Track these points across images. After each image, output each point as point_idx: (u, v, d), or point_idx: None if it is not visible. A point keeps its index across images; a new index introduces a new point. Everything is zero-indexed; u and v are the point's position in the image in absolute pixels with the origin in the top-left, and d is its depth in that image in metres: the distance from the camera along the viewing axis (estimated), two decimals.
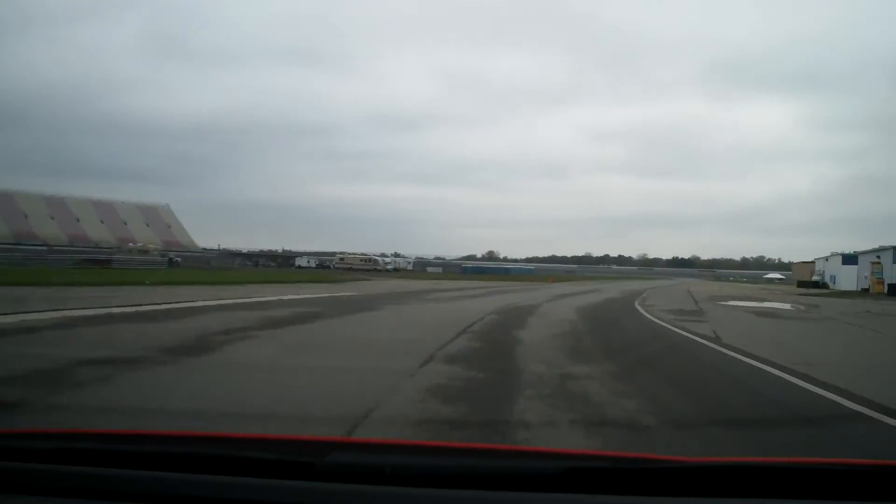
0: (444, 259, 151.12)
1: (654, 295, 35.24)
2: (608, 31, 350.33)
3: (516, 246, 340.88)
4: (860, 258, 63.84)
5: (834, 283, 73.93)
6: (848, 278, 66.99)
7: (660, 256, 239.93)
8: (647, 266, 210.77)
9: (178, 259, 70.21)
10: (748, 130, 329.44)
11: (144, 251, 70.47)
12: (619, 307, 24.79)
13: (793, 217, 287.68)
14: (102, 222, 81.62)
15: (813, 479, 1.54)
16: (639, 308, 23.59)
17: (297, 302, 20.71)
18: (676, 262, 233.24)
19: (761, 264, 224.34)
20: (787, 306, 29.46)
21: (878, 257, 55.11)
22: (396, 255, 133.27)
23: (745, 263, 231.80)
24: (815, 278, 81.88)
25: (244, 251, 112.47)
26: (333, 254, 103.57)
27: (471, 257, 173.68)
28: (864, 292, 52.36)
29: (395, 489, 1.48)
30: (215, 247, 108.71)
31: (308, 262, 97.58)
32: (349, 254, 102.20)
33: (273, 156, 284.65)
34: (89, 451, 1.66)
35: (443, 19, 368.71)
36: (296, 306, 18.64)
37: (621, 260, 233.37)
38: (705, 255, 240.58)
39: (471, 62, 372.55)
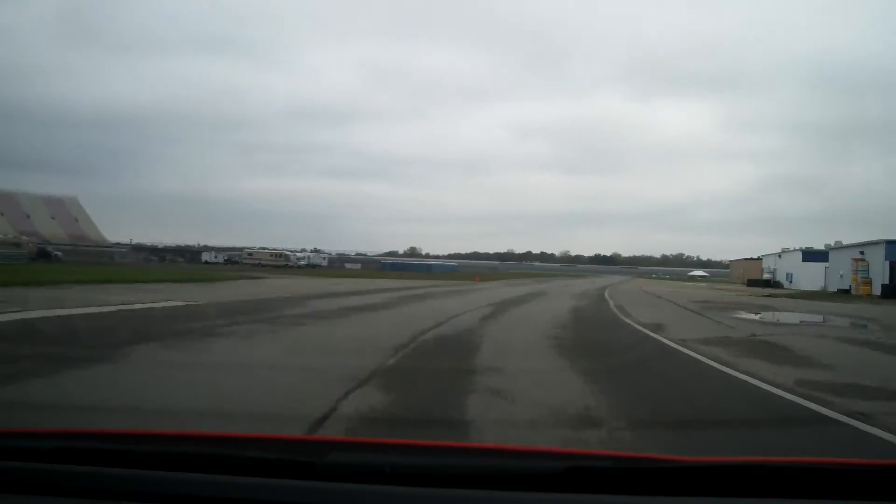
0: (365, 255, 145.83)
1: (626, 303, 26.40)
2: (532, 28, 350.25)
3: (439, 242, 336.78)
4: (832, 255, 56.79)
5: (791, 281, 67.10)
6: (811, 277, 60.03)
7: (582, 253, 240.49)
8: (570, 263, 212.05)
9: (58, 253, 64.89)
10: (668, 130, 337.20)
11: (16, 243, 63.31)
12: (632, 339, 12.88)
13: (710, 215, 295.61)
14: (2, 214, 75.84)
15: (813, 478, 1.52)
16: (668, 343, 11.78)
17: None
18: (598, 259, 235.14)
19: (681, 261, 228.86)
20: (837, 320, 20.92)
21: (862, 253, 46.98)
22: (316, 250, 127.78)
23: (665, 260, 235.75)
24: (765, 276, 75.20)
25: (159, 246, 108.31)
26: (253, 249, 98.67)
27: (392, 253, 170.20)
28: (843, 294, 44.71)
29: (395, 489, 1.47)
30: (127, 241, 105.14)
31: (215, 257, 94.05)
32: (258, 249, 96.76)
33: (195, 149, 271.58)
34: (89, 450, 1.65)
35: (367, 12, 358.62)
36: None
37: (544, 257, 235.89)
38: (626, 252, 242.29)
39: (395, 56, 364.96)
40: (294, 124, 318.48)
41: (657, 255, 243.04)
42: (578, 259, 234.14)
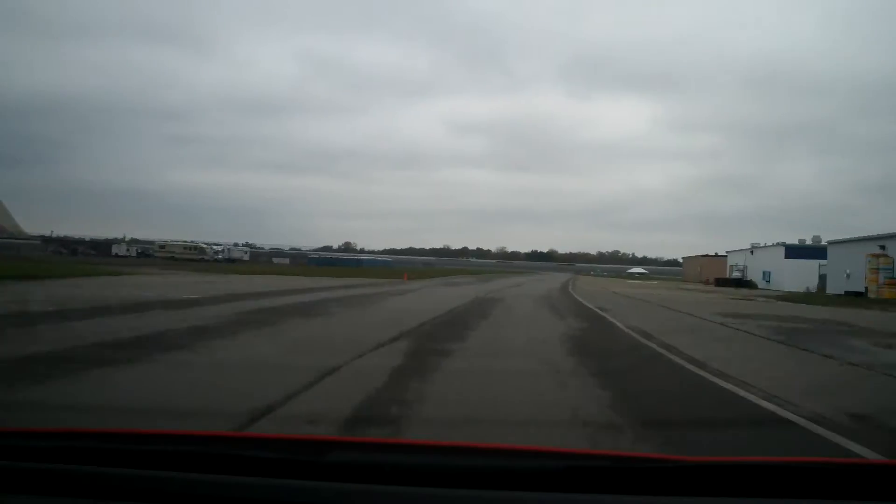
0: (300, 250, 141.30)
1: (638, 321, 18.07)
2: (473, 22, 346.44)
3: (375, 237, 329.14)
4: (833, 250, 46.97)
5: (768, 281, 59.03)
6: (796, 276, 52.20)
7: (518, 250, 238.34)
8: (506, 259, 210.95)
9: None
10: (606, 128, 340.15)
11: None
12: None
13: (645, 214, 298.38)
14: None
15: (813, 478, 1.52)
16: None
17: None
18: (535, 256, 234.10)
19: (617, 259, 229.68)
20: None
21: (883, 248, 37.47)
22: (248, 244, 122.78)
23: (601, 258, 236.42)
24: (734, 275, 66.94)
25: (75, 238, 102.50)
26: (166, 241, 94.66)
27: (327, 248, 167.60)
28: (858, 297, 35.49)
29: (396, 488, 1.47)
30: (48, 233, 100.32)
31: (127, 250, 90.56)
32: (171, 241, 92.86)
33: (127, 140, 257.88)
34: (89, 449, 1.65)
35: (305, 1, 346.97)
36: None
37: (480, 253, 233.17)
38: (562, 249, 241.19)
39: (334, 48, 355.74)
40: (230, 116, 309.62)
41: (593, 251, 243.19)
42: (515, 255, 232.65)
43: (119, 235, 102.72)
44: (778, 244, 61.25)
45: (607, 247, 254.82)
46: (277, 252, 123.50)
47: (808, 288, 49.25)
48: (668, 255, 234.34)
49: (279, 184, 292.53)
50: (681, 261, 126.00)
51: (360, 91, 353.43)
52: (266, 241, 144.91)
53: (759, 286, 58.86)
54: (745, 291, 48.56)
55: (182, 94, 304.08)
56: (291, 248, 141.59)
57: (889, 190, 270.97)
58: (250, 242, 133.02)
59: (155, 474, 1.53)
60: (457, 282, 44.15)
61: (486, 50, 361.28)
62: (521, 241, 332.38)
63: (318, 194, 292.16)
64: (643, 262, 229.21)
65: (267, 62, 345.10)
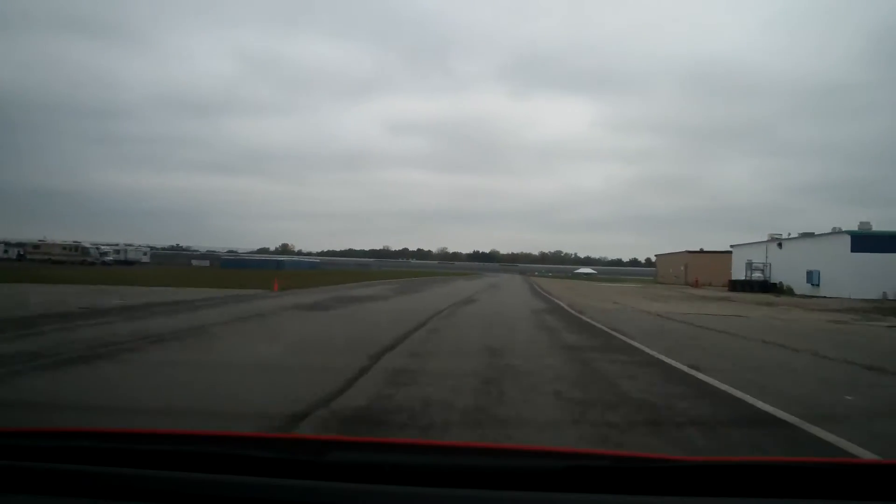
0: (236, 252, 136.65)
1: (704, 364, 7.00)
2: (414, 19, 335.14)
3: (315, 239, 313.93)
4: None
5: (816, 284, 42.84)
6: (861, 277, 37.63)
7: (460, 250, 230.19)
8: (448, 260, 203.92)
9: None
10: (547, 129, 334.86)
11: None
12: None
13: (585, 214, 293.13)
14: None
15: (814, 478, 1.52)
16: None
17: None
18: (477, 257, 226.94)
19: (559, 258, 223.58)
20: None
21: None
22: (177, 246, 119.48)
23: (544, 258, 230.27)
24: (755, 276, 51.46)
25: None
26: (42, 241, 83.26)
27: (264, 250, 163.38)
28: None
29: (395, 488, 1.46)
30: None
31: (6, 251, 79.82)
32: (48, 241, 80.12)
33: (53, 138, 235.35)
34: (89, 449, 1.64)
35: None
36: None
37: (421, 254, 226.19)
38: (504, 250, 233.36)
39: (270, 45, 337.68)
40: (163, 115, 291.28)
41: (535, 252, 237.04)
42: (456, 256, 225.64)
43: (39, 237, 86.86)
44: (838, 231, 44.24)
45: (548, 247, 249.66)
46: (200, 255, 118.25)
47: (884, 294, 36.16)
48: (611, 255, 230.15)
49: (217, 185, 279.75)
50: (641, 260, 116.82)
51: (299, 90, 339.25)
52: (204, 243, 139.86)
53: (798, 291, 43.87)
54: (789, 300, 34.43)
55: (111, 92, 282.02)
56: (228, 251, 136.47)
57: (824, 191, 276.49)
58: (178, 244, 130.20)
59: (155, 474, 1.53)
60: (381, 287, 31.56)
61: (428, 48, 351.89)
62: (463, 242, 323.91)
63: (258, 196, 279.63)
64: (586, 262, 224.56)
65: (200, 59, 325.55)
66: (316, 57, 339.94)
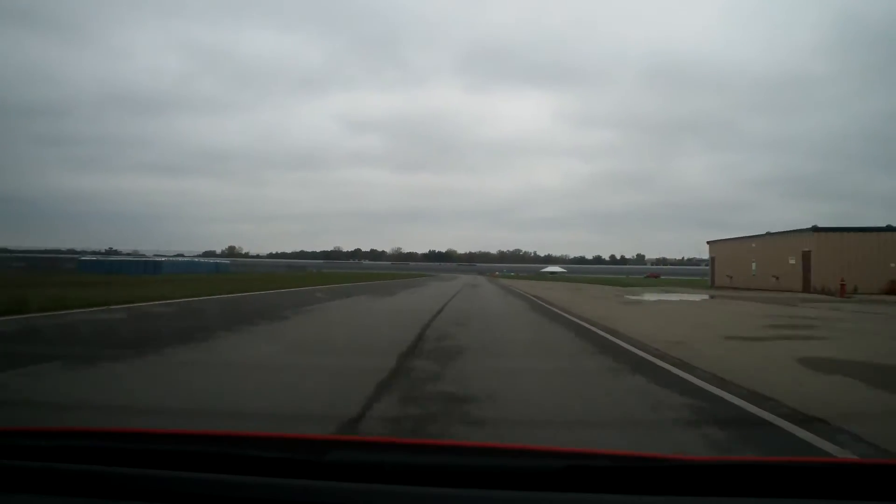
0: (182, 255, 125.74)
1: None
2: (367, 11, 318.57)
3: (266, 241, 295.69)
4: None
5: None
6: None
7: (416, 250, 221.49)
8: (403, 261, 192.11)
9: None
10: (504, 124, 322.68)
11: None
12: None
13: (544, 212, 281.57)
14: None
15: (814, 478, 1.51)
16: None
17: None
18: (433, 256, 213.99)
19: (519, 257, 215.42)
20: None
21: None
22: (111, 250, 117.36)
23: (503, 257, 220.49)
24: None
25: None
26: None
27: (210, 253, 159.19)
28: None
29: (395, 488, 1.46)
30: None
31: None
32: None
33: None
34: (89, 449, 1.64)
35: None
36: None
37: (374, 254, 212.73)
38: (462, 249, 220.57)
39: (219, 37, 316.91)
40: (108, 113, 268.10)
41: (493, 251, 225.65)
42: (412, 256, 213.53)
43: None
44: None
45: (507, 246, 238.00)
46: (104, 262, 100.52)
47: None
48: (572, 252, 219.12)
49: (163, 187, 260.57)
50: (605, 257, 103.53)
51: (248, 87, 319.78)
52: (153, 247, 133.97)
53: None
54: None
55: (51, 89, 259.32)
56: (176, 255, 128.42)
57: (781, 184, 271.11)
58: (113, 248, 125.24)
59: (155, 473, 1.52)
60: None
61: (382, 39, 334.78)
62: (419, 242, 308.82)
63: (206, 197, 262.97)
64: (547, 260, 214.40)
65: (145, 53, 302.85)
66: (267, 50, 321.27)
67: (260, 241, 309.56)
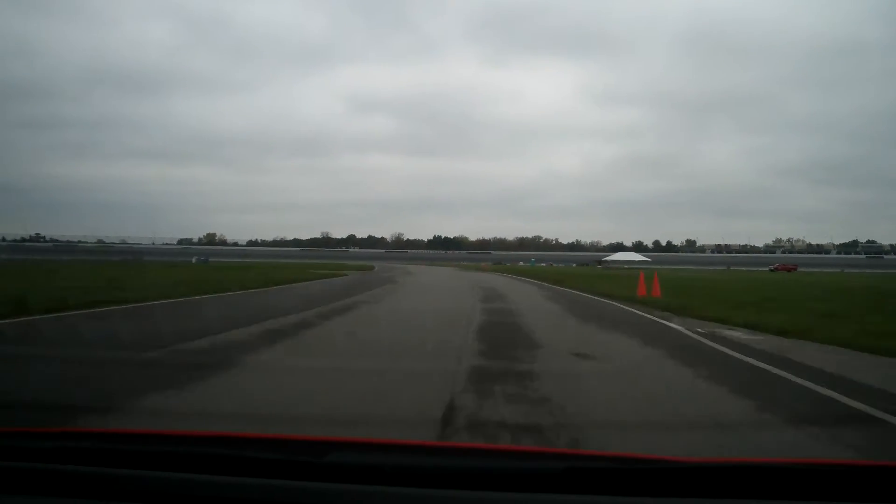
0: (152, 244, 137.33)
1: None
2: None
3: (268, 230, 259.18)
4: None
5: None
6: None
7: (421, 237, 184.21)
8: (402, 248, 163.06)
9: None
10: (522, 103, 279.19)
11: None
12: None
13: (561, 199, 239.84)
14: None
15: (813, 479, 1.51)
16: None
17: None
18: (438, 243, 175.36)
19: (538, 245, 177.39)
20: None
21: None
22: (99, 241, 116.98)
23: (522, 244, 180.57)
24: None
25: None
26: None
27: (185, 241, 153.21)
28: None
29: (395, 489, 1.46)
30: None
31: None
32: None
33: None
34: (89, 450, 1.65)
35: None
36: None
37: (371, 242, 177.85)
38: (473, 236, 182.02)
39: (215, 4, 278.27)
40: (101, 94, 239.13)
41: (511, 237, 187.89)
42: (414, 244, 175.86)
43: None
44: None
45: (524, 234, 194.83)
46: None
47: None
48: (604, 240, 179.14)
49: (162, 174, 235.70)
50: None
51: (248, 56, 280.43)
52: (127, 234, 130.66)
53: None
54: None
55: (40, 64, 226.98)
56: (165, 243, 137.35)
57: (815, 170, 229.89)
58: (101, 239, 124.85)
59: (154, 475, 1.52)
60: None
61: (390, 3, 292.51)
62: (424, 229, 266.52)
63: (206, 186, 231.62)
64: (575, 247, 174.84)
65: (136, 21, 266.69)
66: (266, 15, 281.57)
67: (266, 230, 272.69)
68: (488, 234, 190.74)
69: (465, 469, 1.58)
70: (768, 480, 1.49)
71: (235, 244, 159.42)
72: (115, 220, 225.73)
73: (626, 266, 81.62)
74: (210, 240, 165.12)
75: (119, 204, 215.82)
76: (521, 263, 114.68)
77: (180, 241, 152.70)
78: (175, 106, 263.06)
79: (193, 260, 79.64)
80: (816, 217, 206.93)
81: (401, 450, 1.94)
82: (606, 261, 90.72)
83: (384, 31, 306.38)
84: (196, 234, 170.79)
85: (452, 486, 1.47)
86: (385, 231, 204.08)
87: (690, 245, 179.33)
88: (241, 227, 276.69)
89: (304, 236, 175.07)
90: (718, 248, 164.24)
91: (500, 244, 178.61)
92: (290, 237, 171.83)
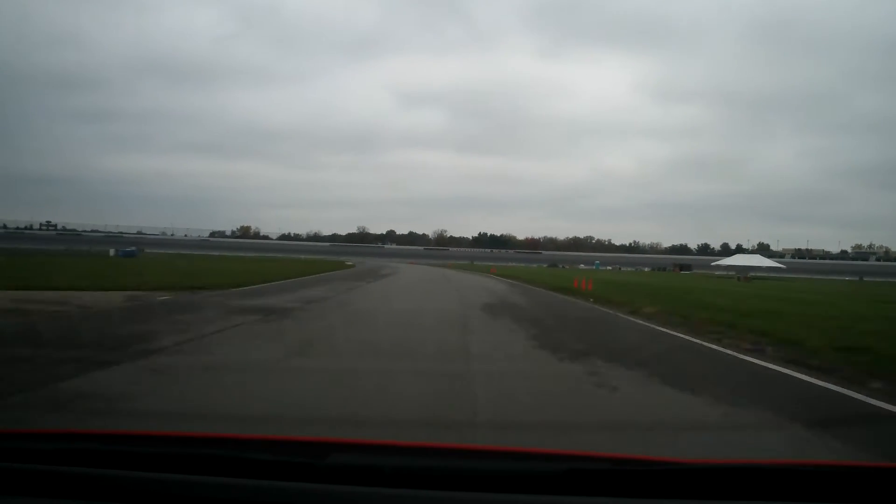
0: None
1: None
2: None
3: (321, 225, 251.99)
4: None
5: None
6: None
7: (465, 235, 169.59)
8: (442, 247, 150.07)
9: None
10: (575, 100, 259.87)
11: None
12: None
13: (612, 200, 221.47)
14: None
15: (813, 481, 1.51)
16: None
17: None
18: (485, 241, 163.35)
19: (589, 246, 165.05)
20: None
21: None
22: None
23: (576, 244, 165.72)
24: None
25: None
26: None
27: (218, 233, 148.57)
28: None
29: (395, 491, 1.46)
30: None
31: None
32: None
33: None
34: (89, 451, 1.65)
35: None
36: None
37: (412, 237, 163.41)
38: (522, 235, 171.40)
39: None
40: (148, 85, 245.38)
41: (561, 236, 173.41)
42: (458, 241, 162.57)
43: None
44: None
45: (575, 234, 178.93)
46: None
47: None
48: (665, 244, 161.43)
49: (211, 168, 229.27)
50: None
51: (296, 48, 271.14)
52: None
53: None
54: None
55: (86, 55, 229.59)
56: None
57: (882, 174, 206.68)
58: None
59: (155, 476, 1.52)
60: None
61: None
62: (469, 227, 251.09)
63: (256, 180, 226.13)
64: (634, 249, 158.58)
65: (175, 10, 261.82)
66: (314, 4, 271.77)
67: (285, 222, 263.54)
68: (538, 234, 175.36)
69: (466, 470, 1.58)
70: (771, 482, 1.48)
71: (266, 237, 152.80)
72: (152, 212, 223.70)
73: (759, 274, 63.66)
74: (244, 233, 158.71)
75: (155, 196, 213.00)
76: (582, 266, 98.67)
77: (212, 234, 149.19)
78: (217, 98, 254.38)
79: (112, 252, 63.66)
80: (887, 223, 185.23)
81: (401, 451, 1.92)
82: (721, 265, 72.41)
83: (435, 18, 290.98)
84: (232, 227, 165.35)
85: (453, 487, 1.47)
86: (427, 228, 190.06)
87: (764, 249, 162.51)
88: (279, 220, 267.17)
89: (343, 231, 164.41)
90: (799, 253, 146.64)
91: (551, 244, 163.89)
92: (325, 232, 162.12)
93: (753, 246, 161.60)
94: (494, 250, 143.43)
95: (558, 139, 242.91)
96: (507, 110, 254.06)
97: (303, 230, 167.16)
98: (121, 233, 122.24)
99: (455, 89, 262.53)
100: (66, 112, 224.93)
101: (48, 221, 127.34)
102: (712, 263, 77.77)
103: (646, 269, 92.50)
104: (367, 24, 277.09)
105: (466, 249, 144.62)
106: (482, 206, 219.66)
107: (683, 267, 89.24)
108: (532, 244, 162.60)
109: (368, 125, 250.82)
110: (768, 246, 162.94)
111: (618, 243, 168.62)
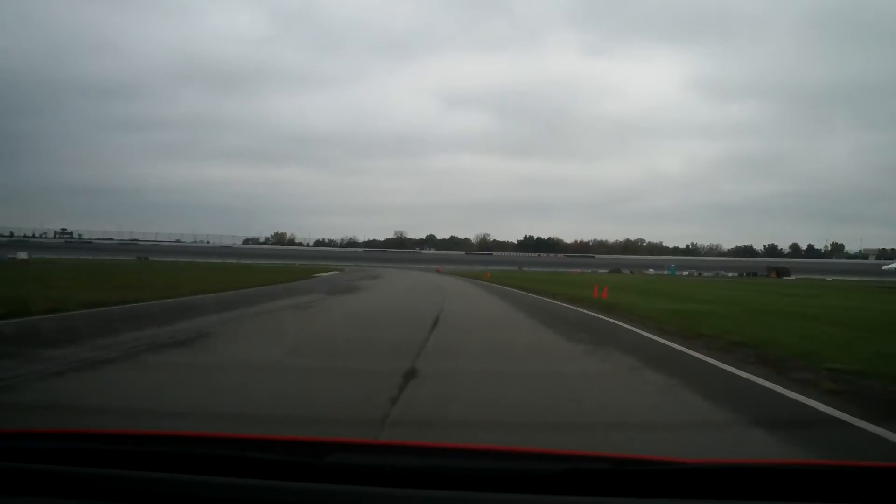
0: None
1: None
2: None
3: (368, 232, 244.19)
4: None
5: None
6: None
7: (510, 239, 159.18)
8: (486, 251, 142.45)
9: None
10: (624, 95, 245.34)
11: None
12: None
13: (664, 202, 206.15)
14: None
15: (813, 481, 1.51)
16: None
17: None
18: (531, 245, 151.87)
19: (636, 248, 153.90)
20: None
21: None
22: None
23: (631, 247, 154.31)
24: None
25: None
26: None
27: (252, 240, 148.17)
28: None
29: (396, 490, 1.47)
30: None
31: None
32: None
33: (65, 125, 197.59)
34: (89, 451, 1.66)
35: None
36: None
37: (453, 242, 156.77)
38: (570, 239, 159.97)
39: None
40: (187, 92, 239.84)
41: (611, 239, 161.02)
42: (502, 245, 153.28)
43: None
44: None
45: (624, 237, 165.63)
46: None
47: None
48: (724, 244, 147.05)
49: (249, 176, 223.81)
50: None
51: (332, 48, 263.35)
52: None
53: None
54: None
55: (123, 61, 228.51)
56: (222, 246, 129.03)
57: None
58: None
59: (155, 476, 1.52)
60: None
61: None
62: (513, 231, 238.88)
63: (299, 187, 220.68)
64: (689, 252, 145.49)
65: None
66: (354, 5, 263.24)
67: (365, 232, 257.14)
68: (586, 237, 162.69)
69: (466, 470, 1.57)
70: (769, 482, 1.49)
71: (300, 244, 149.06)
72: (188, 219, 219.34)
73: None
74: (279, 239, 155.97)
75: (199, 204, 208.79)
76: (651, 272, 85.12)
77: (246, 241, 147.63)
78: (258, 104, 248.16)
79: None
80: None
81: (401, 451, 1.92)
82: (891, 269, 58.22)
83: (478, 15, 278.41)
84: (268, 233, 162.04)
85: (453, 487, 1.47)
86: (470, 232, 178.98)
87: (838, 250, 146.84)
88: (319, 227, 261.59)
89: (381, 237, 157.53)
90: (884, 254, 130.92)
91: (602, 247, 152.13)
92: (363, 238, 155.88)
93: (827, 247, 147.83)
94: (542, 255, 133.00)
95: (604, 139, 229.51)
96: (551, 111, 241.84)
97: (339, 236, 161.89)
98: (134, 240, 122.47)
99: (499, 90, 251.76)
100: (100, 119, 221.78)
101: (63, 229, 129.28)
102: (884, 267, 63.11)
103: (729, 275, 78.44)
104: (408, 25, 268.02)
105: (511, 254, 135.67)
106: (527, 209, 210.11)
107: (780, 271, 75.07)
108: (582, 247, 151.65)
109: (411, 128, 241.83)
110: (843, 246, 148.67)
111: (671, 245, 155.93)
